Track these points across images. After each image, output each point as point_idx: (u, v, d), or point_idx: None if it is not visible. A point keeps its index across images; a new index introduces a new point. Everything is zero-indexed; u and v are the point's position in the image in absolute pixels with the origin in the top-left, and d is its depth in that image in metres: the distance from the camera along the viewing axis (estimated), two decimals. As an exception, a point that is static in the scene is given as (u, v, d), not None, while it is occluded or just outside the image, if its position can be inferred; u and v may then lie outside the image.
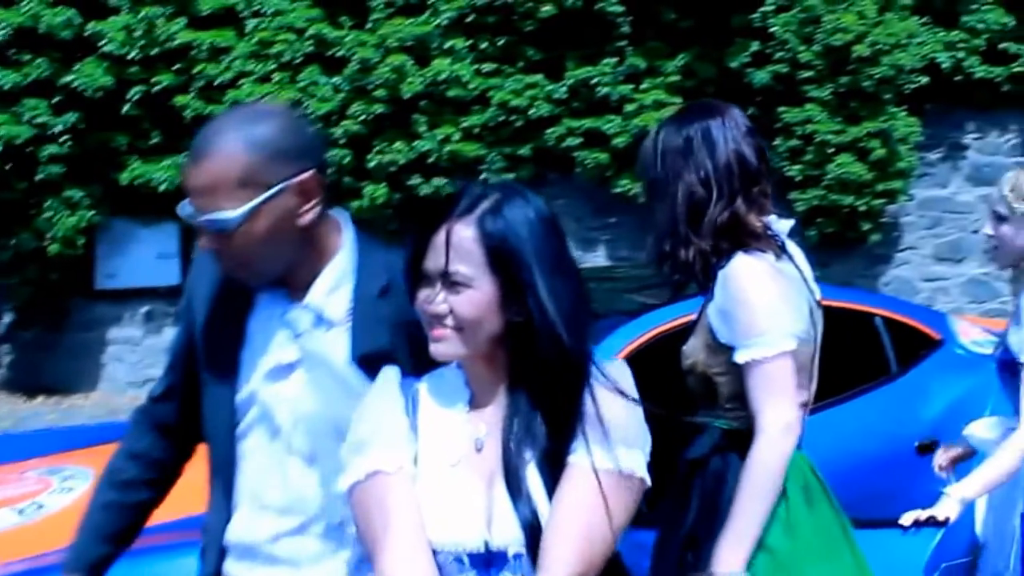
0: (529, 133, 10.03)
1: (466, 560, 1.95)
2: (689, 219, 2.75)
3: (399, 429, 2.00)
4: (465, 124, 9.98)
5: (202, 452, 2.39)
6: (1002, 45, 10.24)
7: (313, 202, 2.10)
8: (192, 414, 2.31)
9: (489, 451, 1.98)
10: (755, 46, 10.04)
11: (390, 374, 2.07)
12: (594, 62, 9.98)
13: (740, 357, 2.67)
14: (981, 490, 3.34)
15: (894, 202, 10.22)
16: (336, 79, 10.10)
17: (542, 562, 1.89)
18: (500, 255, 1.91)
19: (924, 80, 10.01)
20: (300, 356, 2.15)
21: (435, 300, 1.95)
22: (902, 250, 10.56)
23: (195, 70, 10.05)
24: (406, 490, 1.95)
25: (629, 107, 9.87)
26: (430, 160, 9.99)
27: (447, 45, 10.01)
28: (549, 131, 9.98)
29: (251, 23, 10.12)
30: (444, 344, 1.96)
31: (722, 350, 2.73)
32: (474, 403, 2.03)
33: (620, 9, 9.88)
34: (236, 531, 2.24)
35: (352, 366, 2.14)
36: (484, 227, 1.92)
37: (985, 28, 10.14)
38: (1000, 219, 3.45)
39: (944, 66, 10.14)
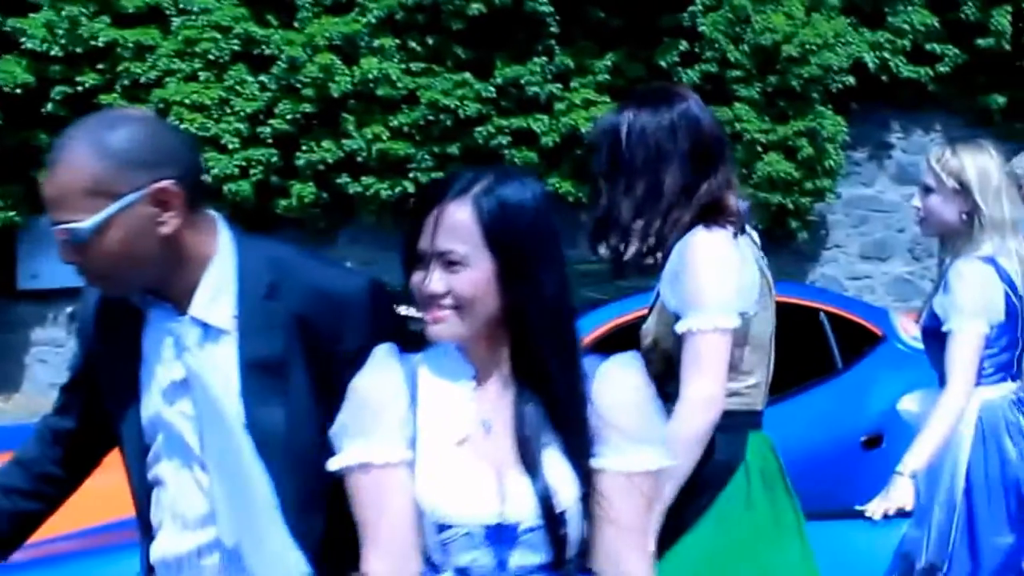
0: (458, 132, 10.00)
1: (478, 535, 1.96)
2: (676, 200, 2.79)
3: (393, 416, 1.99)
4: (394, 123, 9.93)
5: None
6: (927, 46, 10.36)
7: (172, 212, 2.01)
8: (90, 431, 2.26)
9: (498, 433, 1.99)
10: (684, 45, 10.07)
11: (386, 352, 2.04)
12: (523, 61, 9.96)
13: (679, 326, 2.70)
14: (926, 460, 3.42)
15: (822, 200, 10.31)
16: (263, 78, 10.02)
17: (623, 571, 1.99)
18: (497, 234, 1.93)
19: (851, 80, 10.08)
20: (186, 373, 2.10)
21: (431, 280, 1.95)
22: (829, 248, 10.65)
23: (119, 68, 9.93)
24: (395, 484, 1.96)
25: (558, 106, 9.86)
26: (359, 159, 9.94)
27: (376, 44, 9.95)
28: (478, 130, 9.94)
29: (177, 21, 10.02)
30: (442, 325, 1.97)
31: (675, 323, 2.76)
32: (478, 384, 2.02)
33: (549, 8, 9.87)
34: (159, 549, 2.19)
35: (243, 369, 2.08)
36: (480, 206, 1.93)
37: (911, 29, 10.24)
38: (928, 191, 3.60)
39: (870, 66, 10.22)
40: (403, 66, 9.98)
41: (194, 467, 2.13)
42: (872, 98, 10.39)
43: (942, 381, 3.55)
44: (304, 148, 9.97)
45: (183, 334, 2.09)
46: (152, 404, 2.14)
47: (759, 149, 9.89)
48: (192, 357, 2.09)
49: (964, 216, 3.57)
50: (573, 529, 1.97)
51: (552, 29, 9.98)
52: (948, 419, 3.44)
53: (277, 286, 2.10)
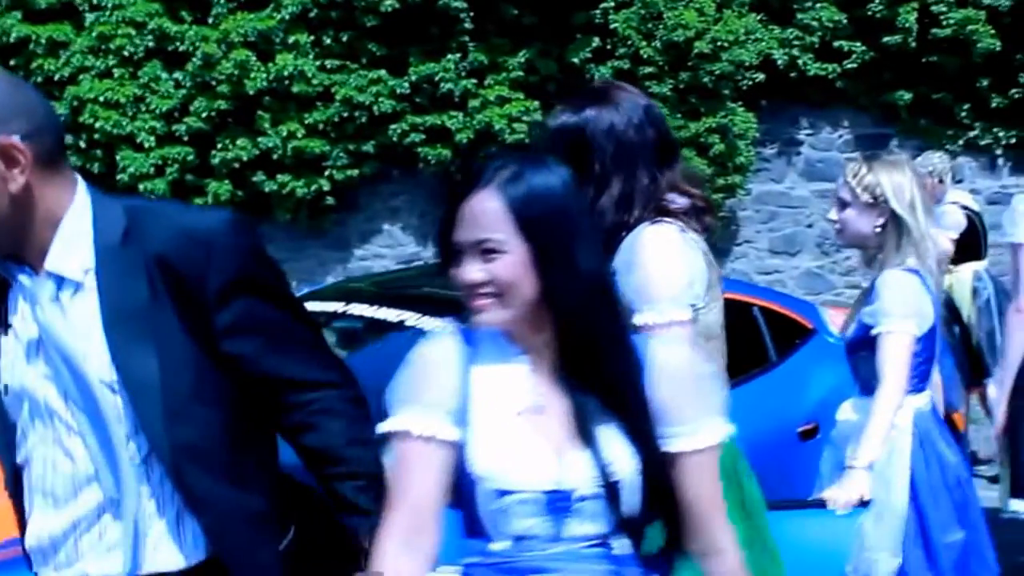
0: (373, 129, 10.01)
1: (535, 501, 2.02)
2: (648, 196, 2.80)
3: (442, 389, 2.07)
4: (309, 120, 9.93)
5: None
6: (835, 43, 10.45)
7: (19, 168, 1.98)
8: None
9: (551, 414, 2.06)
10: (596, 42, 10.13)
11: (446, 326, 2.16)
12: (437, 58, 9.99)
13: (636, 320, 2.68)
14: (877, 451, 3.55)
15: (732, 196, 10.42)
16: (178, 75, 9.98)
17: (712, 546, 2.11)
18: (527, 219, 1.99)
19: (761, 76, 10.19)
20: (40, 330, 2.05)
21: (470, 270, 2.02)
22: (739, 244, 10.75)
23: (33, 65, 9.86)
24: (428, 456, 2.04)
25: (472, 103, 9.90)
26: (274, 157, 9.93)
27: (290, 40, 9.94)
28: (392, 127, 9.97)
29: (90, 17, 9.94)
30: (487, 313, 2.03)
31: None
32: (528, 364, 2.09)
33: (462, 5, 9.89)
34: (33, 535, 2.15)
35: (106, 321, 2.04)
36: (508, 193, 1.99)
37: (819, 26, 10.34)
38: (843, 204, 3.74)
39: (779, 63, 10.33)
40: (318, 63, 9.98)
41: (61, 433, 2.08)
42: (781, 95, 10.49)
43: (871, 390, 3.67)
44: (219, 146, 9.94)
45: (37, 291, 2.06)
46: (17, 374, 2.10)
47: (672, 145, 9.98)
48: (43, 312, 2.05)
49: (878, 229, 3.70)
50: (628, 501, 2.04)
51: (466, 26, 10.02)
52: (888, 414, 3.58)
53: (132, 231, 2.07)
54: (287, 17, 9.90)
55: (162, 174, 9.85)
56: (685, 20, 10.03)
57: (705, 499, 2.10)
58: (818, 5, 10.35)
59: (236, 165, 9.93)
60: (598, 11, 10.09)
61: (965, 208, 7.39)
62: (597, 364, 2.05)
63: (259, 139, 9.90)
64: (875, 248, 3.78)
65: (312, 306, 4.87)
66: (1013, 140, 10.76)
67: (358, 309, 4.55)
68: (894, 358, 3.61)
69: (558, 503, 2.03)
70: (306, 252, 10.43)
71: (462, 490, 2.07)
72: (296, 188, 9.95)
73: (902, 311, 3.64)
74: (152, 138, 9.85)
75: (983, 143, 10.84)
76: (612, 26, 10.09)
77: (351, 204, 10.42)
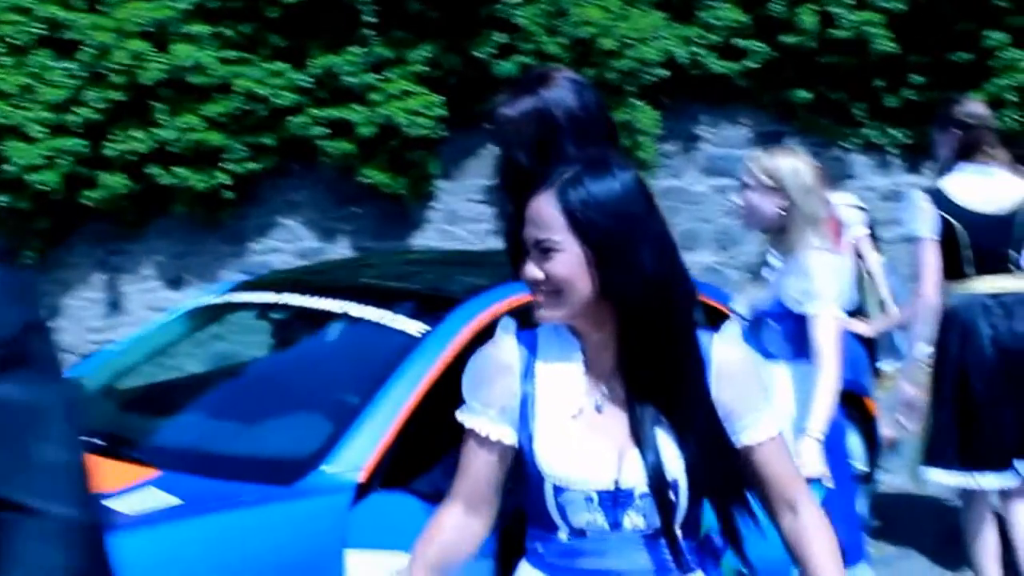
0: (273, 122, 9.82)
1: (595, 498, 2.18)
2: None
3: (500, 391, 2.25)
4: (207, 112, 9.70)
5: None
6: (736, 41, 10.54)
7: None
8: None
9: (609, 411, 2.21)
10: (500, 37, 10.07)
11: (506, 325, 2.31)
12: (339, 51, 9.83)
13: None
14: (825, 422, 3.85)
15: (637, 192, 10.43)
16: (70, 64, 9.70)
17: (794, 508, 2.27)
18: (581, 221, 2.12)
19: (664, 73, 10.25)
20: None
21: (531, 268, 2.19)
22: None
23: (-86, 52, 9.53)
24: (484, 453, 2.27)
25: (374, 96, 9.77)
26: (171, 149, 9.70)
27: (188, 30, 9.72)
28: (293, 120, 9.80)
29: (-26, 3, 9.63)
30: (544, 309, 2.20)
31: None
32: (589, 363, 2.24)
33: (365, -3, 9.79)
34: None
35: None
36: (565, 196, 2.14)
37: (721, 25, 10.43)
38: (746, 188, 4.02)
39: (681, 60, 10.39)
40: (217, 54, 9.76)
41: None
42: (683, 92, 10.56)
43: (796, 354, 4.04)
44: (114, 138, 9.68)
45: None
46: None
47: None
48: None
49: (780, 211, 3.97)
50: (681, 498, 2.18)
51: (368, 19, 9.88)
52: (833, 389, 3.88)
53: None
54: (185, 7, 9.67)
55: (53, 166, 9.55)
56: (590, 16, 10.03)
57: (785, 476, 2.27)
58: (720, 5, 10.43)
59: (132, 157, 9.67)
60: (502, 6, 10.01)
61: (855, 207, 7.54)
62: (656, 364, 2.16)
63: (155, 131, 9.65)
64: (777, 230, 4.04)
65: (246, 297, 4.77)
66: (906, 140, 10.98)
67: (295, 299, 4.45)
68: (827, 340, 3.89)
69: (617, 499, 2.19)
70: (202, 246, 10.23)
71: (528, 483, 2.25)
72: (194, 181, 9.73)
73: (832, 292, 3.92)
74: (42, 129, 9.55)
75: (877, 142, 11.04)
76: (516, 21, 10.04)
77: (250, 198, 10.24)
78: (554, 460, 2.19)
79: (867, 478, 6.02)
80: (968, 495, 4.96)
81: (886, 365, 6.68)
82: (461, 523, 2.31)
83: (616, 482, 2.17)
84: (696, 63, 10.45)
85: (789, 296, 3.98)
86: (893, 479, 6.94)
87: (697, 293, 2.32)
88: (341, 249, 10.22)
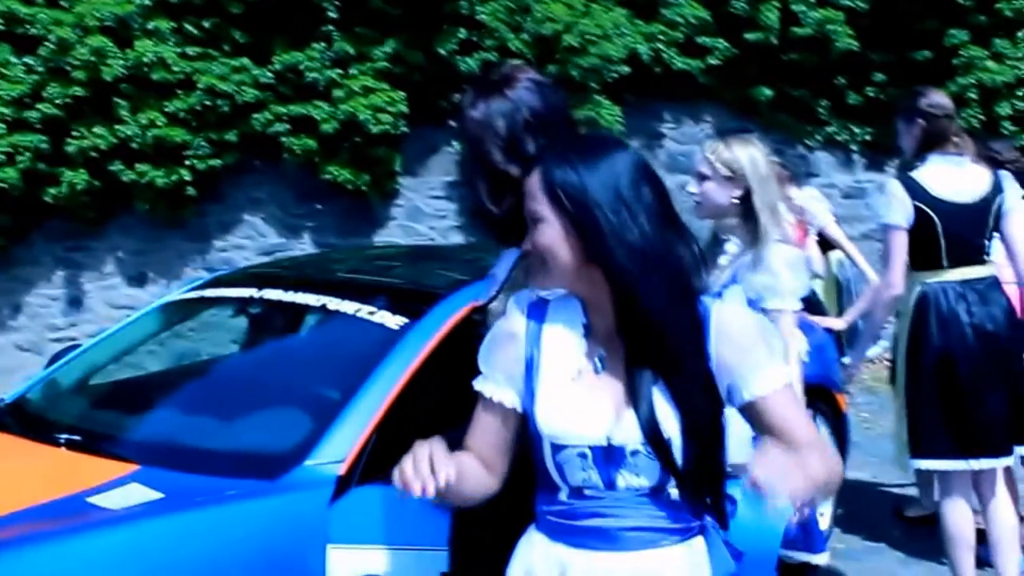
0: (235, 118, 9.77)
1: (589, 455, 2.27)
2: None
3: (508, 358, 2.39)
4: (169, 108, 9.65)
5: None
6: (699, 39, 10.56)
7: None
8: None
9: (608, 373, 2.31)
10: (463, 33, 10.07)
11: (518, 299, 2.43)
12: (301, 47, 9.80)
13: None
14: None
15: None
16: (30, 59, 9.62)
17: (803, 447, 2.25)
18: (557, 195, 2.25)
19: (626, 70, 10.27)
20: None
21: (526, 239, 2.33)
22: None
23: None
24: (492, 414, 2.41)
25: (337, 92, 9.74)
26: (133, 146, 9.63)
27: (150, 26, 9.65)
28: (256, 116, 9.75)
29: (-68, -2, 9.52)
30: (535, 276, 2.33)
31: None
32: (591, 330, 2.35)
33: (328, -7, 9.76)
34: None
35: None
36: (548, 171, 2.28)
37: (683, 22, 10.46)
38: (703, 178, 4.01)
39: (644, 57, 10.41)
40: (179, 50, 9.70)
41: None
42: (645, 89, 10.58)
43: None
44: (75, 134, 9.60)
45: None
46: None
47: (540, 137, 9.95)
48: None
49: (735, 200, 3.96)
50: (677, 457, 2.26)
51: (331, 15, 9.86)
52: (795, 385, 3.81)
53: None
54: (146, 2, 9.60)
55: (13, 162, 9.47)
56: (553, 13, 10.04)
57: (792, 424, 2.31)
58: (682, 2, 10.45)
59: (93, 154, 9.59)
60: (465, 2, 10.02)
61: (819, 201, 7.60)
62: (651, 328, 2.23)
63: (117, 127, 9.59)
64: (732, 220, 4.02)
65: (223, 292, 4.74)
66: (868, 137, 11.06)
67: (272, 294, 4.42)
68: (789, 334, 3.92)
69: (610, 456, 2.27)
70: (165, 244, 10.17)
71: (532, 444, 2.36)
72: (156, 178, 9.66)
73: (791, 288, 3.95)
74: (2, 125, 9.47)
75: (840, 139, 11.11)
76: (479, 17, 10.04)
77: (212, 195, 10.18)
78: (551, 418, 2.30)
79: None
80: (947, 484, 4.98)
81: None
82: (476, 465, 2.42)
83: (608, 438, 2.26)
84: (659, 60, 10.47)
85: (750, 289, 4.00)
86: (860, 474, 7.02)
87: (700, 260, 2.34)
88: (304, 246, 10.19)
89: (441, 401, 3.07)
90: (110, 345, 4.90)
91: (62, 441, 3.72)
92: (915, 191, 4.85)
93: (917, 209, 4.84)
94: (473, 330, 2.95)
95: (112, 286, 10.29)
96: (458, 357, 2.79)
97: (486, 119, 2.79)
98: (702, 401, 2.26)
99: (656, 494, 2.30)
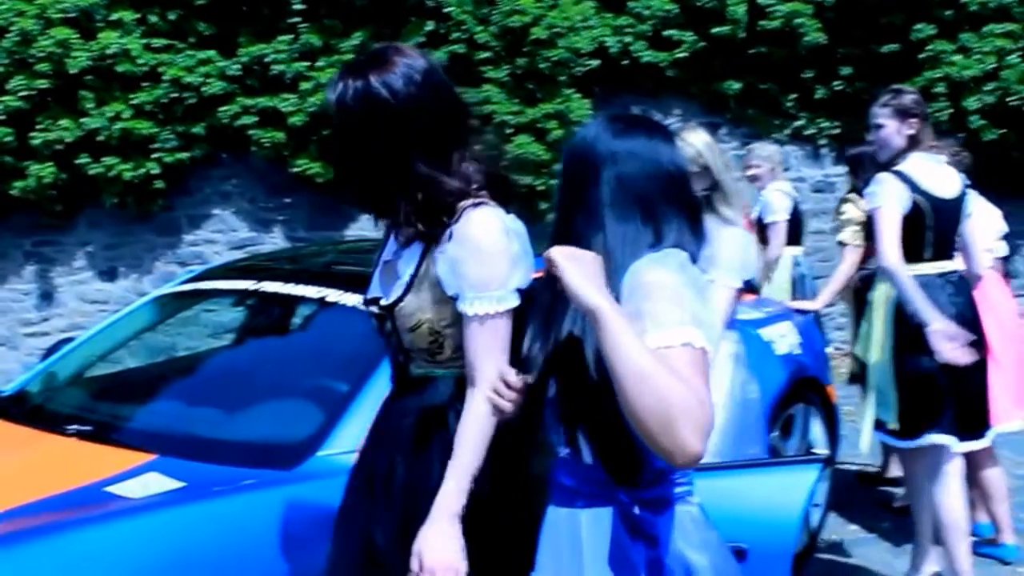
0: (202, 111, 9.74)
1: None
2: (448, 170, 2.71)
3: None
4: (135, 101, 9.60)
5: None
6: (666, 32, 10.60)
7: None
8: None
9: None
10: (431, 25, 10.06)
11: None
12: (268, 39, 9.78)
13: (469, 308, 2.66)
14: None
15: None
16: (-7, 52, 9.59)
17: None
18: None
19: (595, 63, 10.27)
20: None
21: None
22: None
23: None
24: None
25: (305, 85, 9.72)
26: (99, 138, 9.59)
27: (114, 17, 9.60)
28: (223, 109, 9.72)
29: None
30: None
31: (450, 301, 2.71)
32: None
33: (295, -15, 9.74)
34: None
35: None
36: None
37: (650, 14, 10.47)
38: None
39: (612, 50, 10.42)
40: (144, 41, 9.67)
41: None
42: (613, 82, 10.59)
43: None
44: (40, 127, 9.55)
45: None
46: None
47: (509, 131, 9.95)
48: None
49: (704, 192, 4.04)
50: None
51: (297, 6, 9.84)
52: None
53: None
54: (111, -6, 9.59)
55: (-22, 156, 9.45)
56: (521, 6, 10.04)
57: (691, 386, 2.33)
58: (649, -6, 10.48)
59: (59, 147, 9.55)
60: (433, -6, 10.02)
61: (786, 194, 7.65)
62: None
63: (83, 120, 9.54)
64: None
65: (221, 285, 4.75)
66: (836, 131, 11.09)
67: (271, 286, 4.43)
68: (720, 306, 4.02)
69: (552, 417, 2.44)
70: (134, 237, 10.13)
71: None
72: (123, 171, 9.63)
73: (730, 264, 4.04)
74: (-35, 118, 9.44)
75: (808, 133, 11.15)
76: (446, 10, 10.04)
77: (181, 188, 10.15)
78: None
79: (828, 463, 6.07)
80: (939, 470, 5.01)
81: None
82: None
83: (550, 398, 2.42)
84: (626, 53, 10.48)
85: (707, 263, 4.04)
86: (849, 466, 7.06)
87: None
88: (275, 240, 10.17)
89: None
90: (107, 337, 4.91)
91: (72, 431, 3.75)
92: (909, 184, 4.91)
93: (912, 201, 4.90)
94: None
95: (83, 280, 10.26)
96: None
97: (346, 103, 2.67)
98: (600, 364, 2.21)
99: (575, 456, 2.36)
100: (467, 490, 2.60)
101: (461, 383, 2.72)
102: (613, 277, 2.26)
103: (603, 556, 2.32)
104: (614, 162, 2.34)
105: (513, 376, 2.48)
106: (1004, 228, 6.29)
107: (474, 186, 2.73)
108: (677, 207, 2.36)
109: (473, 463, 2.60)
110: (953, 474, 5.01)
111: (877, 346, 5.09)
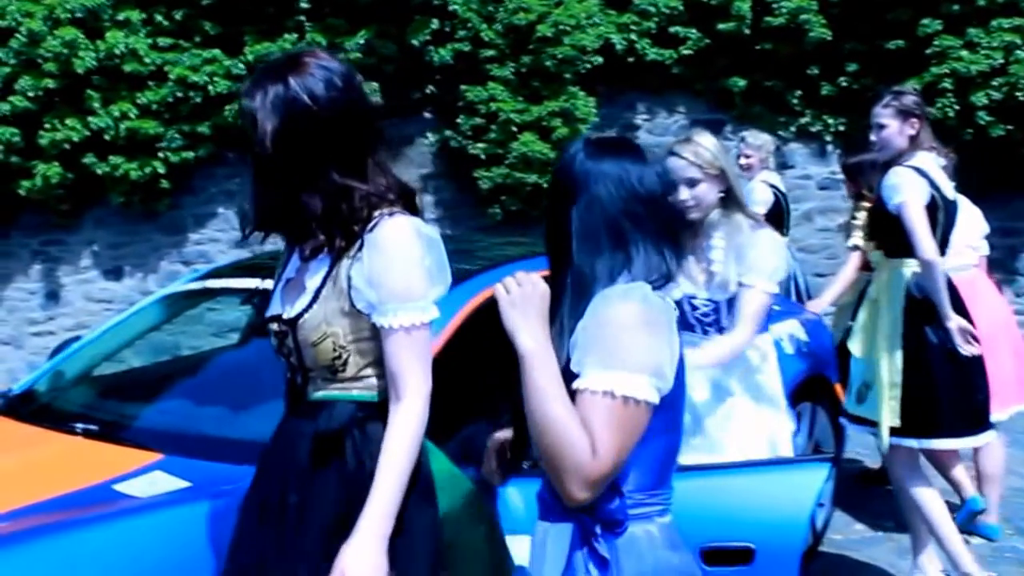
0: (208, 110, 9.78)
1: None
2: (364, 178, 2.62)
3: None
4: (141, 100, 9.65)
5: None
6: (671, 28, 10.58)
7: None
8: None
9: None
10: (436, 24, 10.07)
11: None
12: (273, 38, 9.80)
13: (393, 320, 2.56)
14: (712, 361, 3.96)
15: (573, 180, 10.43)
16: (1, 51, 9.60)
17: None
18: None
19: (600, 61, 10.26)
20: None
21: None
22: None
23: None
24: None
25: (310, 84, 9.73)
26: (106, 137, 9.63)
27: (121, 17, 9.65)
28: (228, 108, 9.74)
29: (-98, -10, 9.49)
30: None
31: (361, 315, 2.61)
32: None
33: (300, -16, 9.75)
34: None
35: None
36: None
37: (656, 11, 10.46)
38: (694, 183, 4.00)
39: (618, 47, 10.41)
40: (150, 41, 9.70)
41: None
42: (619, 80, 10.58)
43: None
44: (47, 126, 9.60)
45: None
46: None
47: (514, 129, 9.96)
48: None
49: (721, 195, 4.03)
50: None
51: (303, 5, 9.86)
52: (734, 350, 3.97)
53: None
54: (117, -6, 9.61)
55: (-14, 156, 9.48)
56: (526, 3, 10.03)
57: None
58: (656, -9, 10.46)
59: (66, 146, 9.59)
60: (438, -8, 10.03)
61: (772, 187, 7.62)
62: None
63: (90, 119, 9.58)
64: (714, 215, 4.05)
65: (227, 284, 4.74)
66: (842, 127, 11.05)
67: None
68: (756, 309, 3.98)
69: None
70: (140, 236, 10.17)
71: None
72: (129, 170, 9.67)
73: (766, 268, 4.00)
74: (-27, 119, 9.48)
75: (814, 130, 11.10)
76: (452, 8, 10.04)
77: (186, 187, 10.18)
78: None
79: (834, 462, 6.07)
80: (910, 458, 5.04)
81: None
82: None
83: None
84: (632, 50, 10.46)
85: (742, 267, 4.01)
86: (856, 465, 7.05)
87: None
88: (279, 240, 10.14)
89: (459, 389, 3.07)
90: (113, 336, 4.91)
91: (79, 430, 3.75)
92: (928, 180, 4.91)
93: (930, 196, 4.91)
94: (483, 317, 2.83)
95: (89, 280, 10.29)
96: (475, 344, 2.72)
97: (261, 108, 2.55)
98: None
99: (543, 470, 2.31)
100: (396, 512, 2.51)
101: (363, 407, 2.64)
102: (583, 302, 2.27)
103: (558, 572, 2.32)
104: (586, 186, 2.33)
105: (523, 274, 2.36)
106: (986, 228, 6.32)
107: (390, 195, 2.64)
108: (649, 229, 2.33)
109: (403, 481, 2.52)
110: (920, 469, 5.06)
111: (885, 343, 5.08)
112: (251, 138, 2.56)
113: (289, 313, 2.69)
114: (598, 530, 2.28)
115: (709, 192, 4.00)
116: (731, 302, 4.05)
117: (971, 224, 6.06)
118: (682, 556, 2.35)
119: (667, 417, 2.29)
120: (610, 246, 2.30)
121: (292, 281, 2.76)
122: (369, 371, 2.64)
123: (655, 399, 2.19)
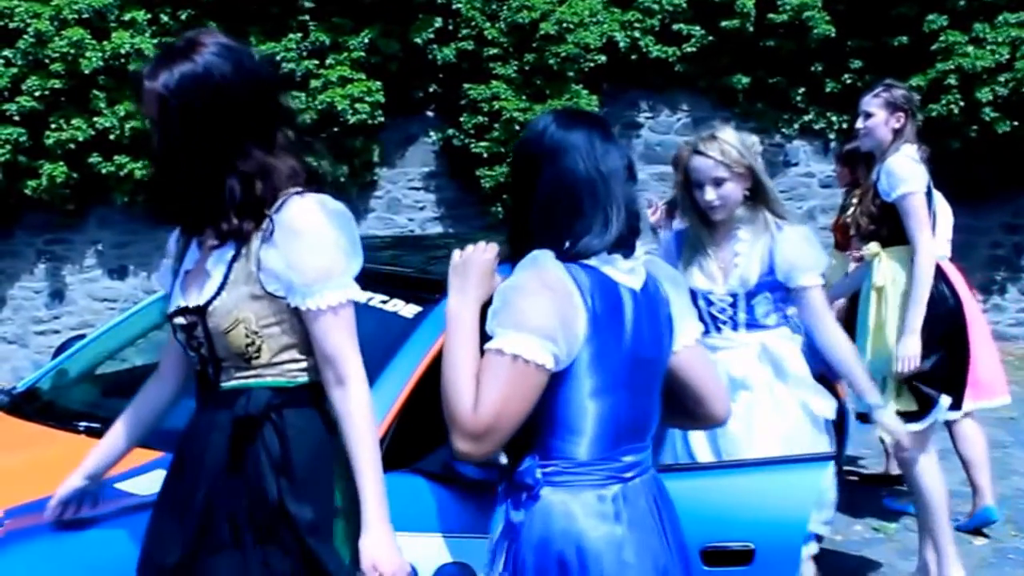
0: (213, 109, 9.78)
1: None
2: (276, 156, 2.52)
3: None
4: (147, 100, 9.66)
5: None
6: (675, 26, 10.58)
7: None
8: None
9: None
10: (439, 22, 10.09)
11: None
12: (278, 37, 9.84)
13: (320, 301, 2.49)
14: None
15: (578, 178, 10.44)
16: (8, 52, 9.64)
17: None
18: None
19: (602, 59, 10.27)
20: None
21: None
22: (583, 224, 10.79)
23: None
24: None
25: (314, 83, 9.77)
26: (112, 137, 9.66)
27: (126, 17, 9.69)
28: (232, 108, 9.75)
29: (-90, -9, 9.53)
30: None
31: (273, 299, 2.52)
32: None
33: (304, -16, 9.78)
34: None
35: None
36: None
37: (659, 9, 10.46)
38: (720, 182, 3.93)
39: (621, 45, 10.42)
40: (155, 40, 9.73)
41: None
42: (622, 77, 10.59)
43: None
44: (53, 126, 9.63)
45: None
46: None
47: (517, 128, 9.94)
48: None
49: (747, 192, 3.96)
50: None
51: (307, 4, 9.88)
52: (852, 351, 4.22)
53: None
54: (122, -6, 9.65)
55: (-7, 156, 9.52)
56: (530, 2, 10.05)
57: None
58: (658, -12, 10.47)
59: (72, 146, 9.63)
60: (442, -9, 10.05)
61: None
62: None
63: (95, 119, 9.62)
64: (740, 211, 3.99)
65: None
66: (845, 125, 11.01)
67: None
68: (820, 307, 4.04)
69: None
70: (144, 235, 10.18)
71: None
72: (134, 170, 9.70)
73: (807, 264, 3.98)
74: (-19, 118, 9.52)
75: (817, 127, 11.10)
76: (455, 7, 10.06)
77: (192, 186, 10.19)
78: None
79: (836, 461, 6.05)
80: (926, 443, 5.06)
81: None
82: None
83: None
84: (635, 48, 10.47)
85: (782, 270, 3.97)
86: (857, 465, 7.06)
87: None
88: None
89: None
90: (117, 335, 4.93)
91: (83, 428, 3.77)
92: (926, 171, 4.96)
93: (928, 187, 4.94)
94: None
95: (93, 279, 10.32)
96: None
97: (167, 89, 2.45)
98: None
99: None
100: (384, 490, 2.50)
101: (279, 393, 2.58)
102: None
103: (497, 533, 2.44)
104: (553, 157, 2.40)
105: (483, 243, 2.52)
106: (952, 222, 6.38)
107: (298, 174, 2.53)
108: (606, 202, 2.38)
109: (379, 462, 2.51)
110: (934, 456, 5.07)
111: (893, 333, 5.07)
112: (157, 124, 2.46)
113: (197, 301, 2.57)
114: (500, 489, 2.42)
115: (735, 191, 3.93)
116: (749, 295, 4.03)
117: (946, 218, 6.10)
118: (614, 529, 2.34)
119: (592, 384, 2.33)
120: (565, 216, 2.37)
121: (192, 272, 2.63)
122: (283, 356, 2.57)
123: (546, 361, 2.26)
